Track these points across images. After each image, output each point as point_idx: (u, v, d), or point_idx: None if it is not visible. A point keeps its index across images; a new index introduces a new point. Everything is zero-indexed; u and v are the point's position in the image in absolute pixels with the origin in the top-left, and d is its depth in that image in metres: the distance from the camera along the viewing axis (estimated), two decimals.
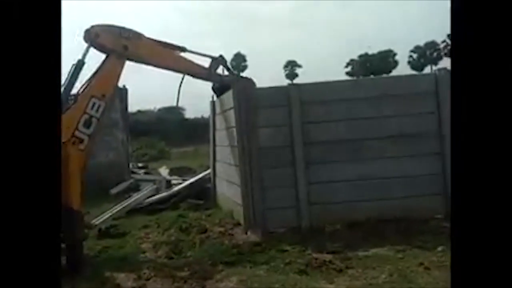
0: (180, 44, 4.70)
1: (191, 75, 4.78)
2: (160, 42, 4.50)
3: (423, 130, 4.66)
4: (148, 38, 4.34)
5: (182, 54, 4.75)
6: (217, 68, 4.97)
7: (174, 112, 23.62)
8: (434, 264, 3.34)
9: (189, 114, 27.78)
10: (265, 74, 55.05)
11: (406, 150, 4.64)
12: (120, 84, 9.05)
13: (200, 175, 6.75)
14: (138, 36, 4.21)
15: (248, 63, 55.54)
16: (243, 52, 55.68)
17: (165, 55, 4.55)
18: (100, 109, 3.80)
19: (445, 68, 4.92)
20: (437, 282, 3.03)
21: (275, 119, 4.68)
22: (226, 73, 5.11)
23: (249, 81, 4.89)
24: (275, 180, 4.64)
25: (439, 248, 3.68)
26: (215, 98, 6.05)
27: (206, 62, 4.93)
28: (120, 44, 4.02)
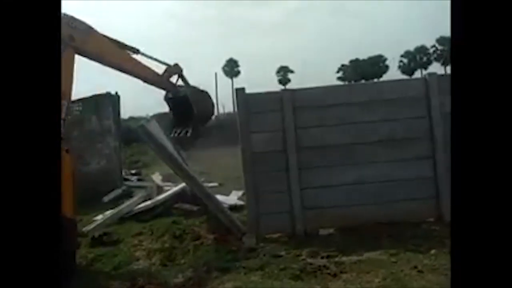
0: (135, 46, 4.60)
1: (144, 80, 4.70)
2: (113, 40, 4.39)
3: (414, 134, 4.72)
4: (101, 34, 4.21)
5: (137, 56, 4.67)
6: (170, 76, 4.89)
7: (167, 118, 23.57)
8: (427, 268, 3.37)
9: None
10: (257, 79, 55.25)
11: (398, 154, 4.69)
12: (112, 91, 9.04)
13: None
14: (88, 28, 4.03)
15: (240, 68, 55.70)
16: (235, 57, 55.83)
17: (117, 55, 4.41)
18: (63, 108, 3.68)
19: (435, 73, 5.00)
20: (431, 286, 3.06)
21: (268, 124, 4.70)
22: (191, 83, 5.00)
23: (205, 94, 4.82)
24: (269, 185, 4.65)
25: (432, 252, 3.71)
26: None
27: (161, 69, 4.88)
28: (66, 33, 3.80)
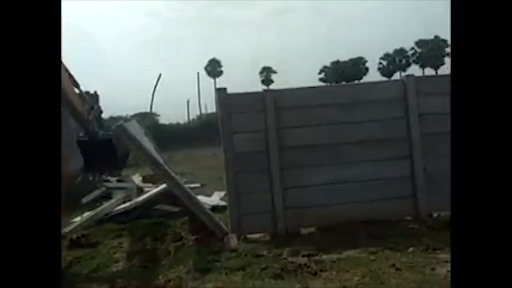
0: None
1: (72, 110, 4.57)
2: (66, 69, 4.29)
3: (393, 135, 4.83)
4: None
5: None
6: (90, 115, 4.77)
7: (148, 118, 23.28)
8: (405, 265, 3.44)
9: (164, 120, 27.43)
10: (241, 80, 55.18)
11: (377, 154, 4.78)
12: (91, 90, 8.85)
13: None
14: None
15: (223, 68, 55.54)
16: (218, 58, 55.63)
17: (66, 84, 4.31)
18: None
19: (412, 75, 5.13)
20: (408, 283, 3.13)
21: (250, 124, 4.72)
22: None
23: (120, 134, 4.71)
24: (251, 186, 4.67)
25: (409, 250, 3.80)
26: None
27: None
28: None
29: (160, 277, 3.52)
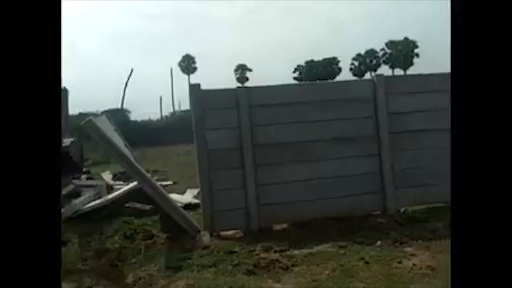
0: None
1: None
2: None
3: (363, 132, 4.95)
4: None
5: None
6: None
7: (119, 114, 22.72)
8: (373, 259, 3.56)
9: (135, 116, 26.87)
10: (215, 77, 54.83)
11: (347, 151, 4.90)
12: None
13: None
14: None
15: (197, 65, 54.97)
16: (192, 54, 55.00)
17: None
18: None
19: (382, 75, 5.28)
20: (376, 276, 3.23)
21: (224, 121, 4.70)
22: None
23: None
24: (224, 183, 4.66)
25: (378, 243, 3.93)
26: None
27: None
28: None
29: (130, 275, 3.46)
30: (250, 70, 55.98)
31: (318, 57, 53.71)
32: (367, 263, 3.47)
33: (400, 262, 3.46)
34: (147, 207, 5.95)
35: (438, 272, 3.22)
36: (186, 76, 52.77)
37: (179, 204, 5.55)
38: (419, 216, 4.72)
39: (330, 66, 53.38)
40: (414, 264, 3.40)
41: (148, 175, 5.26)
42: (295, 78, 51.53)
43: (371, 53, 54.65)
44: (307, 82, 22.33)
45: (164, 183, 8.50)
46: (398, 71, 50.65)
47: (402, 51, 52.78)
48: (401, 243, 3.92)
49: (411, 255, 3.61)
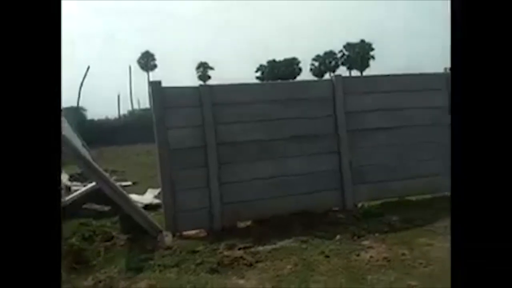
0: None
1: None
2: None
3: (323, 131, 5.11)
4: None
5: None
6: None
7: (75, 113, 21.70)
8: (333, 252, 3.69)
9: (92, 115, 25.83)
10: (177, 74, 53.85)
11: (308, 149, 5.03)
12: None
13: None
14: None
15: (157, 62, 53.70)
16: (152, 51, 53.63)
17: None
18: None
19: (340, 75, 5.48)
20: (336, 269, 3.35)
21: (186, 120, 4.65)
22: None
23: None
24: (187, 182, 4.61)
25: (337, 237, 4.08)
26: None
27: None
28: None
29: (90, 278, 3.34)
30: (212, 68, 55.65)
31: (279, 57, 54.46)
32: (327, 256, 3.60)
33: (358, 255, 3.61)
34: (106, 208, 5.76)
35: (394, 263, 3.40)
36: (145, 74, 51.41)
37: (140, 205, 5.42)
38: (375, 211, 4.95)
39: (291, 66, 54.32)
40: (371, 256, 3.56)
41: (107, 175, 5.09)
42: (257, 78, 51.89)
43: (330, 54, 56.32)
44: (270, 82, 22.58)
45: (124, 183, 8.26)
46: (355, 72, 52.54)
47: (359, 53, 54.83)
48: (358, 237, 4.10)
49: (368, 247, 3.78)
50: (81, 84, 20.91)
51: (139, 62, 52.69)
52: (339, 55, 56.26)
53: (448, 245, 3.70)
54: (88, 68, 21.02)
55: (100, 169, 4.86)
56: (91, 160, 5.21)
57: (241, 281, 3.19)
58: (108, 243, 4.28)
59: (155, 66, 53.37)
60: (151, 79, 4.81)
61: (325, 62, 56.14)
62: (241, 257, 3.61)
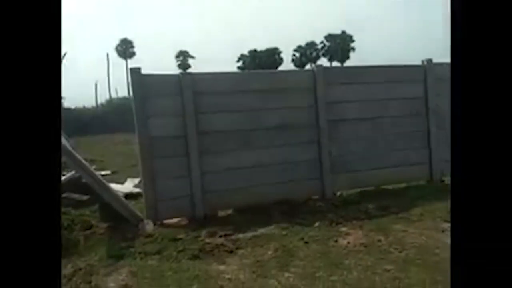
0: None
1: None
2: None
3: (304, 121, 5.18)
4: None
5: None
6: None
7: None
8: (312, 239, 3.78)
9: (68, 103, 25.11)
10: (156, 63, 52.85)
11: (289, 139, 5.09)
12: None
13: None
14: None
15: (136, 50, 52.50)
16: (130, 37, 52.34)
17: None
18: None
19: (321, 65, 5.53)
20: (315, 254, 3.45)
21: (167, 108, 4.62)
22: None
23: None
24: (168, 171, 4.60)
25: (316, 224, 4.18)
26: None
27: None
28: None
29: (69, 266, 3.31)
30: (192, 57, 54.90)
31: (260, 47, 54.21)
32: (307, 242, 3.69)
33: (336, 241, 3.72)
34: (85, 197, 5.68)
35: (370, 248, 3.52)
36: (123, 62, 50.22)
37: (120, 194, 5.37)
38: (353, 199, 5.09)
39: (272, 56, 54.18)
40: (348, 242, 3.68)
41: (87, 164, 5.00)
42: (238, 67, 51.57)
43: (311, 45, 56.50)
44: (251, 71, 22.48)
45: (103, 172, 8.14)
46: (336, 64, 53.00)
47: (340, 44, 55.24)
48: (337, 224, 4.21)
49: (346, 234, 3.90)
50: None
51: (117, 49, 51.38)
52: (320, 46, 56.52)
53: (421, 231, 3.87)
54: (65, 54, 20.37)
55: (80, 158, 4.78)
56: (70, 149, 5.11)
57: (222, 267, 3.24)
58: (87, 232, 4.24)
59: (133, 53, 52.20)
60: (129, 67, 4.72)
61: (306, 52, 56.32)
62: (222, 244, 3.66)
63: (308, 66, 51.85)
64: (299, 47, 56.50)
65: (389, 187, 5.46)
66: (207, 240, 3.77)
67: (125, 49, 51.82)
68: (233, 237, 3.87)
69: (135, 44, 52.52)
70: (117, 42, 51.83)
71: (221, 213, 4.77)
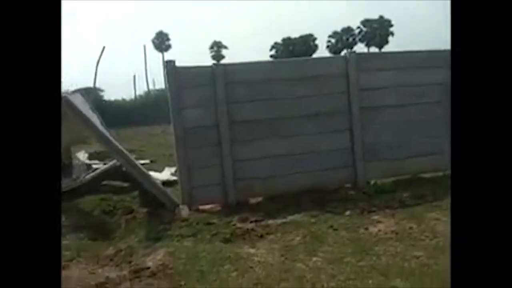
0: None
1: None
2: None
3: (335, 108, 5.14)
4: None
5: None
6: None
7: (92, 93, 22.11)
8: (342, 226, 3.81)
9: (108, 96, 26.21)
10: (190, 54, 53.65)
11: (321, 127, 5.08)
12: None
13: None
14: None
15: (171, 42, 53.55)
16: (165, 30, 53.42)
17: None
18: None
19: (354, 51, 5.44)
20: (344, 241, 3.48)
21: (201, 99, 4.76)
22: None
23: None
24: (202, 159, 4.77)
25: (347, 213, 4.19)
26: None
27: None
28: None
29: (111, 248, 3.57)
30: (226, 47, 55.07)
31: (294, 34, 53.36)
32: (336, 229, 3.72)
33: (366, 229, 3.72)
34: (125, 184, 6.00)
35: (401, 236, 3.50)
36: (160, 54, 51.43)
37: (158, 181, 5.64)
38: (387, 188, 5.00)
39: (307, 43, 53.18)
40: (379, 230, 3.67)
41: (127, 153, 5.29)
42: (271, 56, 51.18)
43: (347, 30, 54.79)
44: (283, 59, 22.31)
45: (142, 161, 8.51)
46: (374, 49, 51.19)
47: (377, 30, 53.21)
48: (368, 212, 4.19)
49: (377, 222, 3.88)
50: (97, 65, 21.19)
51: (153, 42, 52.66)
52: (356, 31, 54.75)
53: None
54: (104, 48, 21.26)
55: (122, 148, 5.07)
56: (112, 139, 5.42)
57: (252, 250, 3.36)
58: (128, 216, 4.52)
59: (169, 46, 53.23)
60: (165, 59, 4.89)
61: (342, 38, 54.77)
62: (252, 229, 3.78)
63: (344, 52, 50.58)
64: (335, 33, 55.01)
65: (427, 175, 5.32)
66: (239, 225, 3.91)
67: (161, 42, 52.95)
68: (263, 223, 3.98)
69: (170, 36, 53.54)
70: (153, 35, 53.08)
71: (252, 200, 4.89)
